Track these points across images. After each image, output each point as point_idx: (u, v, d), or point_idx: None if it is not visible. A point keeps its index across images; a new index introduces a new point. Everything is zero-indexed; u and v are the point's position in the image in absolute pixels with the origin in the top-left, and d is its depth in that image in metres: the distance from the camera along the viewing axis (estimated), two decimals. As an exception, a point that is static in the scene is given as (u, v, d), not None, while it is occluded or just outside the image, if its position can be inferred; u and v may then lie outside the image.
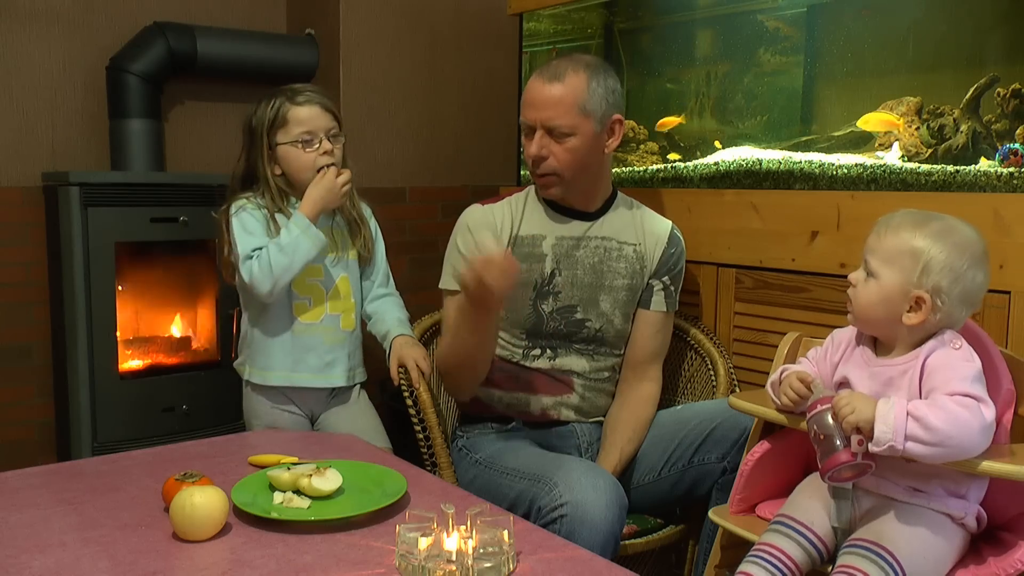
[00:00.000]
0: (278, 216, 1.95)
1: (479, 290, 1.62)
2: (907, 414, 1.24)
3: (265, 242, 1.92)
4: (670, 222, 1.97)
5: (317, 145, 1.94)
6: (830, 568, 1.37)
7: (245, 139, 1.99)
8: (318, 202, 1.92)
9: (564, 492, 1.53)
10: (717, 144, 2.48)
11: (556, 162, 1.80)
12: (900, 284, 1.33)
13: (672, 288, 1.94)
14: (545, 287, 1.87)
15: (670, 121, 2.54)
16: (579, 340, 1.87)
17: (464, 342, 1.79)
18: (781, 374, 1.47)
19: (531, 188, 1.95)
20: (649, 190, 2.33)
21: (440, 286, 1.94)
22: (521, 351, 1.87)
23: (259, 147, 1.96)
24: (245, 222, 1.94)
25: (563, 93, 1.77)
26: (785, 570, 1.34)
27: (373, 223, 2.12)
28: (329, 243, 1.97)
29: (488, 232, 1.87)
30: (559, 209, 1.90)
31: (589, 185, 1.88)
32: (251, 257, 1.91)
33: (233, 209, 1.95)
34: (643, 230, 1.93)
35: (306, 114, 1.94)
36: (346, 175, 1.95)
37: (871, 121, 2.10)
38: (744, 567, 1.35)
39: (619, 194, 1.97)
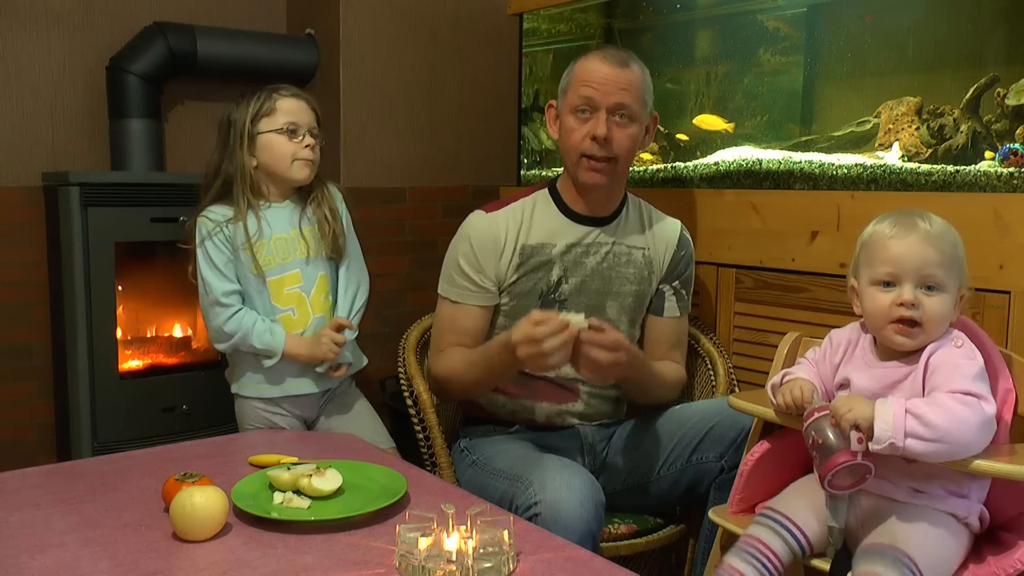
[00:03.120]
0: (251, 224, 1.94)
1: (535, 359, 1.57)
2: (906, 411, 1.24)
3: (236, 285, 1.94)
4: (679, 223, 1.95)
5: (301, 137, 1.95)
6: (822, 563, 1.37)
7: (221, 135, 1.99)
8: (303, 358, 1.92)
9: (538, 491, 1.53)
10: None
11: (618, 146, 1.77)
12: (956, 288, 1.34)
13: (684, 292, 1.94)
14: (551, 295, 1.85)
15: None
16: None
17: (479, 376, 1.77)
18: (783, 378, 1.47)
19: (540, 192, 1.91)
20: (649, 190, 2.33)
21: (439, 292, 1.91)
22: None
23: (239, 137, 1.95)
24: (213, 256, 1.94)
25: (633, 79, 1.77)
26: (767, 563, 1.34)
27: (343, 208, 2.09)
28: (301, 245, 1.97)
29: (493, 248, 1.83)
30: (571, 215, 1.87)
31: (621, 183, 1.87)
32: (225, 306, 1.93)
33: (199, 235, 1.95)
34: (652, 233, 1.92)
35: (292, 106, 1.97)
36: (337, 347, 1.92)
37: (705, 121, 2.34)
38: (729, 559, 1.36)
39: (629, 196, 1.95)
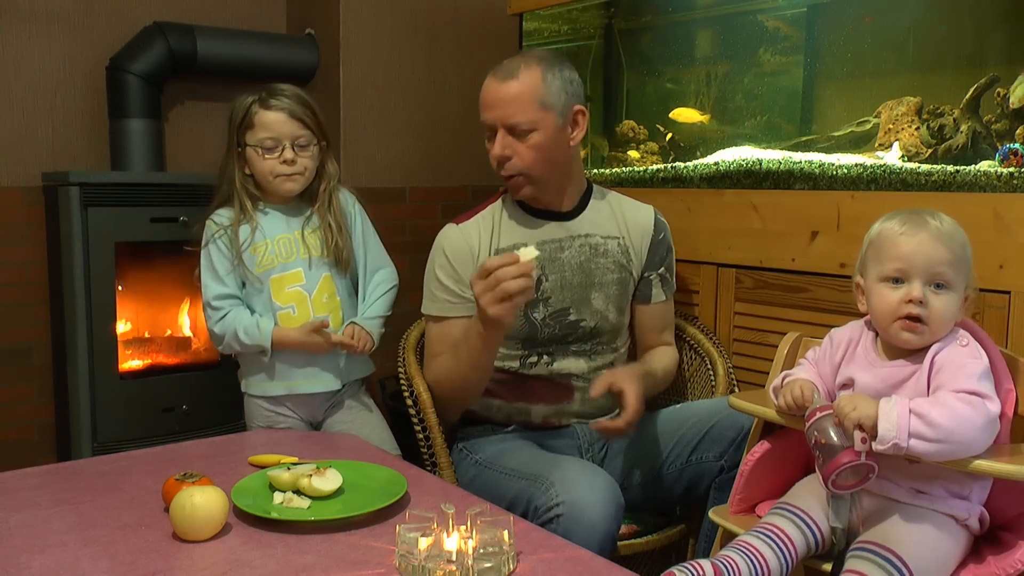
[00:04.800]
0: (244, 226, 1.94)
1: (495, 305, 1.57)
2: (909, 411, 1.24)
3: (231, 288, 1.94)
4: (651, 207, 1.96)
5: (278, 153, 1.92)
6: (827, 565, 1.37)
7: (227, 135, 1.99)
8: (294, 344, 1.91)
9: (560, 491, 1.53)
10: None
11: (521, 161, 1.77)
12: (963, 288, 1.34)
13: (668, 275, 1.96)
14: (534, 295, 1.84)
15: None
16: (575, 340, 1.87)
17: (464, 370, 1.77)
18: (783, 380, 1.47)
19: (504, 196, 1.92)
20: (649, 190, 2.33)
21: (423, 311, 1.91)
22: (518, 360, 1.86)
23: (231, 145, 1.95)
24: (214, 260, 1.94)
25: (520, 90, 1.74)
26: (782, 546, 1.34)
27: (358, 213, 2.07)
28: (303, 247, 1.96)
29: (469, 257, 1.84)
30: (535, 213, 1.88)
31: (561, 181, 1.85)
32: (216, 309, 1.94)
33: (206, 236, 1.96)
34: (625, 221, 1.92)
35: (271, 119, 1.91)
36: (333, 341, 1.91)
37: (681, 114, 2.39)
38: (744, 537, 1.35)
39: (594, 187, 1.95)
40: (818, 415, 1.33)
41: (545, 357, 1.87)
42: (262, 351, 1.92)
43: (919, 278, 1.33)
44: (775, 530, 1.35)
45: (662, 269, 1.94)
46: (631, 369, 1.82)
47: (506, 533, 1.19)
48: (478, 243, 1.85)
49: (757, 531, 1.36)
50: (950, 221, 1.36)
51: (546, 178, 1.81)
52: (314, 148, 1.97)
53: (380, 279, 2.08)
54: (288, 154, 1.92)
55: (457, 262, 1.84)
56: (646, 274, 1.93)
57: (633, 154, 2.59)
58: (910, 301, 1.32)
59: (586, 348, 1.88)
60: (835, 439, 1.29)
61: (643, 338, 1.98)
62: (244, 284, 1.97)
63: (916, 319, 1.32)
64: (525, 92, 1.74)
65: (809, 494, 1.41)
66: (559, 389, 1.88)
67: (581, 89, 1.82)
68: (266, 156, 1.92)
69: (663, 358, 1.95)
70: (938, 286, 1.33)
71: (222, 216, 1.97)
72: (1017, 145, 1.74)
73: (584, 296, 1.86)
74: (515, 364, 1.86)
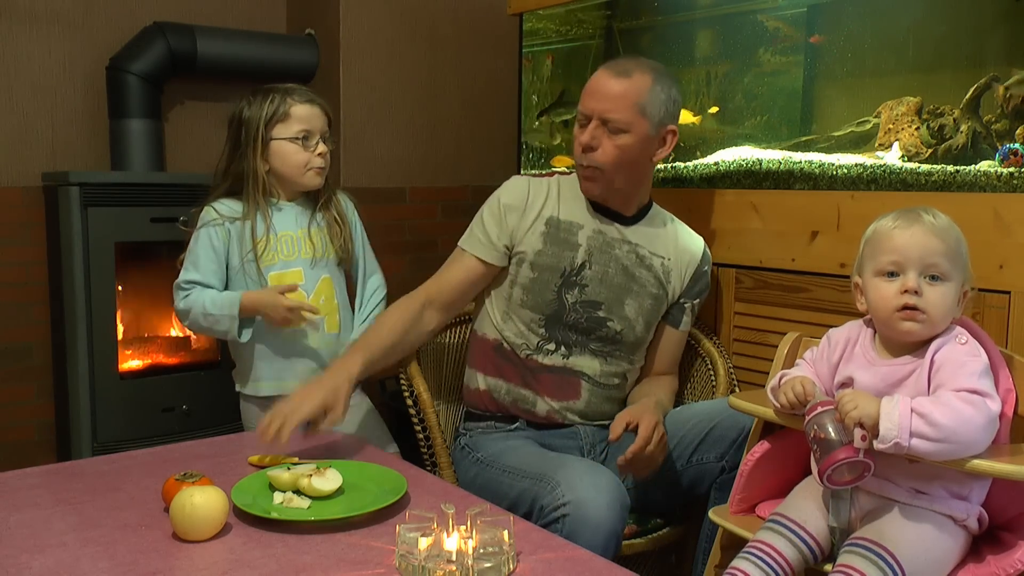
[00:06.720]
0: (260, 216, 1.96)
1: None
2: (911, 411, 1.24)
3: (205, 277, 1.95)
4: (702, 240, 1.99)
5: (314, 146, 1.96)
6: (829, 567, 1.37)
7: (232, 133, 1.99)
8: (258, 306, 1.92)
9: (566, 491, 1.53)
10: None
11: (603, 157, 1.80)
12: (960, 281, 1.34)
13: (697, 306, 1.99)
14: (573, 276, 1.86)
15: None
16: (596, 339, 1.87)
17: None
18: (780, 379, 1.47)
19: (573, 175, 1.94)
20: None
21: (459, 243, 1.93)
22: (536, 342, 1.87)
23: (251, 141, 1.95)
24: (200, 246, 1.95)
25: (626, 88, 1.77)
26: (776, 567, 1.34)
27: (355, 218, 2.11)
28: (307, 246, 1.98)
29: (521, 202, 1.87)
30: (597, 206, 1.90)
31: (629, 191, 1.88)
32: (184, 290, 1.95)
33: (201, 221, 1.97)
34: (676, 246, 1.94)
35: (307, 112, 1.96)
36: (296, 315, 1.91)
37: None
38: (736, 563, 1.35)
39: (654, 205, 1.97)
40: (819, 409, 1.33)
41: (562, 348, 1.87)
42: (231, 320, 1.91)
43: (914, 269, 1.33)
44: (766, 549, 1.35)
45: (697, 300, 1.97)
46: (645, 403, 1.79)
47: (506, 533, 1.19)
48: (534, 198, 1.89)
49: (748, 553, 1.36)
50: (945, 217, 1.36)
51: (617, 181, 1.83)
52: (332, 145, 2.02)
53: (374, 285, 2.13)
54: (322, 147, 1.97)
55: (508, 205, 1.88)
56: (682, 300, 1.95)
57: None
58: (905, 291, 1.32)
59: (605, 350, 1.89)
60: (833, 435, 1.29)
61: (655, 360, 1.98)
62: (230, 278, 1.98)
63: (913, 309, 1.32)
64: (630, 92, 1.77)
65: (804, 501, 1.41)
66: (568, 386, 1.88)
67: (679, 112, 1.86)
68: (305, 147, 1.95)
69: (667, 390, 1.95)
70: (933, 278, 1.33)
71: (225, 206, 1.97)
72: (1017, 145, 1.74)
73: (619, 298, 1.87)
74: (532, 344, 1.86)
